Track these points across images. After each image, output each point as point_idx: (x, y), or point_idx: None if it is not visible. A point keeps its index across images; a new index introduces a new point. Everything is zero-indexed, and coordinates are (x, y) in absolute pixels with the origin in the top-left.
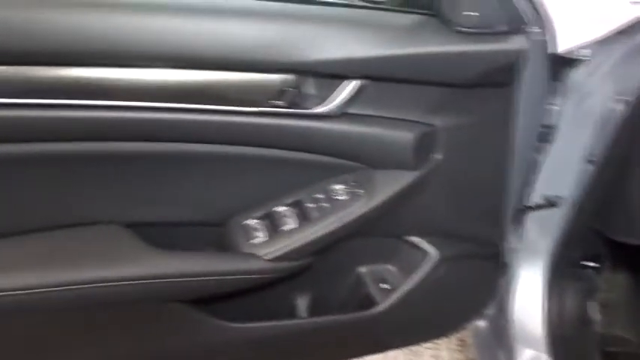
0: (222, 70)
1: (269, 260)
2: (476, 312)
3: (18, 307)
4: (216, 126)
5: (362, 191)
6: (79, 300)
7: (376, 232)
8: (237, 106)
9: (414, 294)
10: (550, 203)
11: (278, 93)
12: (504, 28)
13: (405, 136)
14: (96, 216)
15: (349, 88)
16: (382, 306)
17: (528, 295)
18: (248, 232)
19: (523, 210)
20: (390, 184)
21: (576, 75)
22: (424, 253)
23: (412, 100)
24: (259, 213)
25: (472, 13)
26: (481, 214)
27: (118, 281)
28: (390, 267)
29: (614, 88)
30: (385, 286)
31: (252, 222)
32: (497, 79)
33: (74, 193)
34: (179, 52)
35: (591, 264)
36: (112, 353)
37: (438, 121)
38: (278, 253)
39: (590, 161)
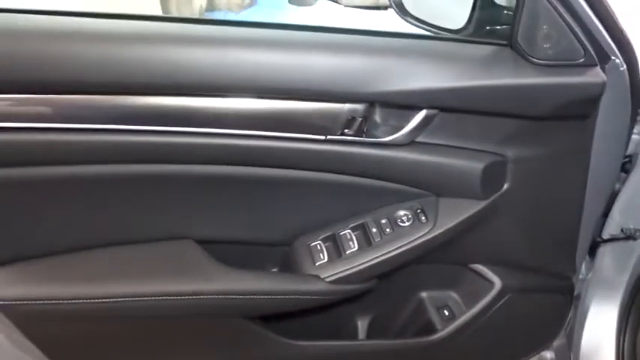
0: (299, 100)
1: (330, 282)
2: (541, 345)
3: (97, 314)
4: (289, 152)
5: (426, 219)
6: (152, 311)
7: (440, 258)
8: (310, 133)
9: (475, 323)
10: (628, 235)
11: (349, 122)
12: (582, 59)
13: (473, 165)
14: (173, 232)
15: (419, 117)
16: (442, 333)
17: (599, 330)
18: (312, 253)
19: (599, 242)
20: (455, 213)
21: None
22: (489, 282)
23: (483, 131)
24: (324, 235)
25: (548, 45)
26: (553, 246)
27: (189, 295)
28: (452, 294)
29: None
30: (447, 313)
31: (316, 243)
32: (575, 112)
33: (155, 210)
34: (261, 83)
35: None
36: None
37: (509, 152)
38: (339, 276)
39: None
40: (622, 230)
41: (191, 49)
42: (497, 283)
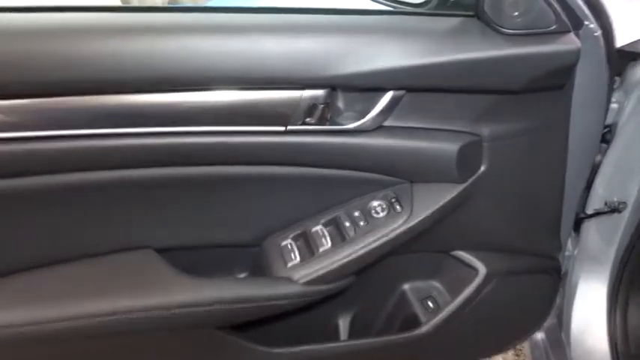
0: (252, 90)
1: (305, 284)
2: (531, 327)
3: (55, 337)
4: (247, 147)
5: (402, 207)
6: (114, 329)
7: (419, 247)
8: (268, 125)
9: (462, 312)
10: (612, 209)
11: (310, 110)
12: (554, 26)
13: (448, 147)
14: (131, 242)
15: (385, 100)
16: (428, 326)
17: (589, 308)
18: (283, 254)
19: (583, 217)
20: (432, 199)
21: (637, 70)
22: (472, 268)
23: (455, 110)
24: (294, 233)
25: (517, 12)
26: (536, 226)
27: (153, 310)
28: (435, 283)
29: None
30: (431, 304)
31: (287, 243)
32: (550, 82)
33: (108, 220)
34: (210, 73)
35: None
36: None
37: (484, 130)
38: (313, 276)
39: None
40: (606, 204)
41: (126, 39)
42: (482, 268)
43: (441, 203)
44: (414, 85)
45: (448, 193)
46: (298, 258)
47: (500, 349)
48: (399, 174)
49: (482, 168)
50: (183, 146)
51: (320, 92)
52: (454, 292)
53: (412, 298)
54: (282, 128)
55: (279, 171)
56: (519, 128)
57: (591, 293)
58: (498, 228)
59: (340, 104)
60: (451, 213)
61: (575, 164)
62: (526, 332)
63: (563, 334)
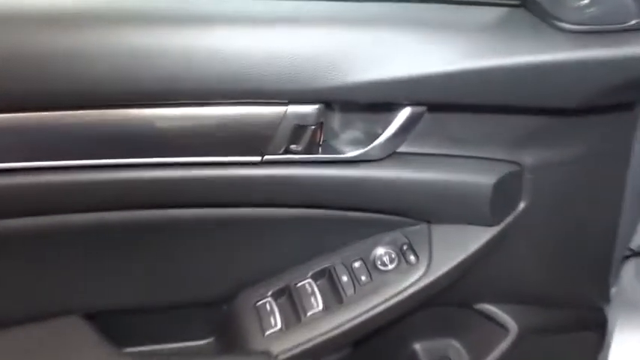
0: (216, 105)
1: None
2: None
3: None
4: (211, 183)
5: (416, 258)
6: None
7: (436, 301)
8: (238, 154)
9: None
10: None
11: (296, 132)
12: (634, 22)
13: (481, 180)
14: (51, 308)
15: (400, 118)
16: None
17: None
18: (260, 316)
19: (628, 255)
20: (458, 246)
21: None
22: (501, 326)
23: (492, 132)
24: (275, 288)
25: (584, 2)
26: (582, 272)
27: None
28: (453, 342)
29: None
30: None
31: (265, 301)
32: (621, 98)
33: (21, 280)
34: (159, 84)
35: None
36: None
37: (527, 159)
38: (298, 351)
39: None
40: None
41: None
42: (512, 326)
43: (470, 252)
44: (439, 99)
45: (478, 237)
46: (279, 324)
47: None
48: (415, 213)
49: (522, 205)
50: (126, 182)
51: (309, 109)
52: (477, 353)
53: None
54: (258, 158)
55: (254, 213)
56: (571, 155)
57: (630, 345)
58: (536, 276)
59: (337, 125)
60: (481, 261)
61: (633, 196)
62: None
63: None
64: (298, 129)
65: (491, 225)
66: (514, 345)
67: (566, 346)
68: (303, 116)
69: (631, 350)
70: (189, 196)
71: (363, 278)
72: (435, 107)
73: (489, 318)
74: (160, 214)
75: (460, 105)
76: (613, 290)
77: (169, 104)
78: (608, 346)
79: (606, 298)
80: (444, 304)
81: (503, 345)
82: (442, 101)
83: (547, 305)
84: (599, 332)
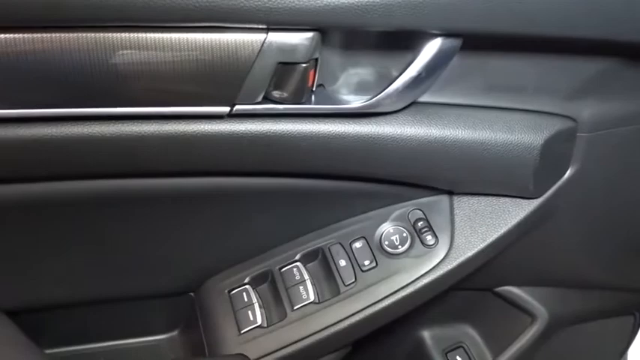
0: (170, 31)
1: None
2: None
3: None
4: (167, 143)
5: (435, 237)
6: None
7: (453, 286)
8: (203, 104)
9: None
10: None
11: (281, 74)
12: None
13: (524, 139)
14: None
15: (426, 55)
16: None
17: None
18: (235, 309)
19: None
20: (487, 225)
21: None
22: (526, 312)
23: (542, 78)
24: (255, 272)
25: None
26: (629, 253)
27: None
28: (468, 329)
29: None
30: (460, 359)
31: (242, 289)
32: None
33: None
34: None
35: None
36: None
37: (585, 112)
38: (281, 355)
39: None
40: None
41: None
42: (542, 312)
43: (503, 231)
44: (480, 28)
45: (514, 212)
46: (260, 319)
47: None
48: (435, 181)
49: (570, 171)
50: (52, 140)
51: (298, 38)
52: (497, 342)
53: (433, 350)
54: (225, 109)
55: (226, 182)
56: (635, 110)
57: None
58: (574, 256)
59: (337, 63)
60: (514, 241)
61: None
62: None
63: None
64: (282, 68)
65: (532, 197)
66: (543, 334)
67: (601, 332)
68: (290, 49)
69: None
70: (137, 161)
71: (366, 263)
72: (473, 40)
73: (513, 303)
74: (101, 185)
75: (507, 38)
76: None
77: (105, 27)
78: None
79: None
80: (462, 289)
81: (530, 333)
82: (484, 30)
83: (583, 288)
84: (635, 315)
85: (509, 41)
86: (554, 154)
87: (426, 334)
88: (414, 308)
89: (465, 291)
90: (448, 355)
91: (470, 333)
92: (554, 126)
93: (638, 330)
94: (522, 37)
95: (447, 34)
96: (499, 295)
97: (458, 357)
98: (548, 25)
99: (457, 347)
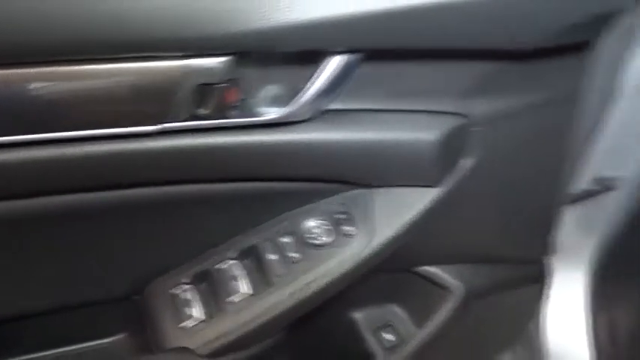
0: (107, 63)
1: (209, 355)
2: (511, 343)
3: None
4: (102, 161)
5: (355, 227)
6: None
7: (375, 268)
8: (130, 124)
9: (431, 345)
10: (604, 187)
11: (202, 93)
12: None
13: (423, 136)
14: None
15: (330, 69)
16: None
17: (569, 310)
18: (176, 306)
19: (569, 201)
20: (401, 211)
21: None
22: (445, 288)
23: (436, 82)
24: (193, 272)
25: None
26: (528, 226)
27: None
28: (395, 308)
29: None
30: (390, 337)
31: (181, 289)
32: (583, 36)
33: None
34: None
35: None
36: None
37: (475, 109)
38: (222, 343)
39: None
40: (595, 180)
41: None
42: (458, 287)
43: (415, 215)
44: (377, 44)
45: (422, 199)
46: (198, 313)
47: None
48: (350, 177)
49: (468, 161)
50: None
51: (215, 62)
52: (420, 317)
53: (364, 330)
54: (150, 128)
55: (162, 191)
56: (521, 104)
57: (569, 294)
58: (482, 235)
59: (254, 81)
60: (424, 223)
61: (578, 143)
62: (505, 349)
63: (540, 344)
64: (203, 88)
65: (434, 185)
66: (460, 306)
67: (510, 302)
68: (208, 72)
69: (567, 299)
70: (79, 177)
71: (294, 255)
72: (372, 55)
73: (431, 280)
74: (45, 201)
75: (402, 51)
76: (554, 241)
77: (34, 63)
78: (547, 298)
79: (548, 250)
80: (383, 271)
81: (448, 306)
82: (381, 47)
83: (492, 262)
84: (540, 283)
85: (405, 52)
86: (451, 147)
87: (358, 315)
88: (345, 291)
89: (389, 273)
90: (378, 333)
91: (397, 312)
92: (449, 123)
93: (542, 294)
94: (414, 50)
95: (347, 51)
96: (419, 275)
97: (388, 334)
98: (435, 40)
99: (387, 325)
